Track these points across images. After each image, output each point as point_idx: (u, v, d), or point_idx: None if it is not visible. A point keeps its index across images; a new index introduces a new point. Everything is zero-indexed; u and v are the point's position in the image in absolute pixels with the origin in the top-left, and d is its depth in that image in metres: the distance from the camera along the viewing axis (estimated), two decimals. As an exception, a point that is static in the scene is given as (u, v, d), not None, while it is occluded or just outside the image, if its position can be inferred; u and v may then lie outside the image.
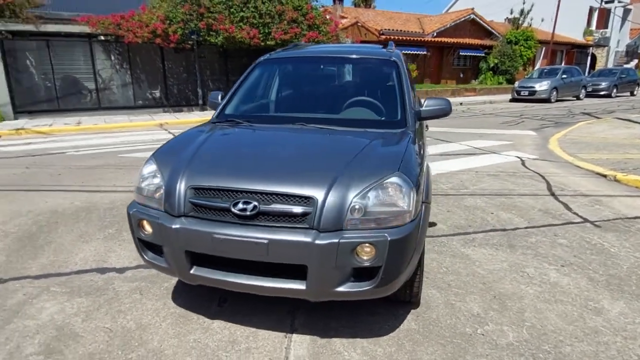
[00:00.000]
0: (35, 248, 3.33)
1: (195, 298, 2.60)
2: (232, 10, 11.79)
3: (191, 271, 2.06)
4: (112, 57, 12.06)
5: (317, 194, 1.89)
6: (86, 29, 11.05)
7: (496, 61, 22.04)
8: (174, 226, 1.99)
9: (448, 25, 21.13)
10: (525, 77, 19.07)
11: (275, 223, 1.91)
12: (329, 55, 3.44)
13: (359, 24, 17.58)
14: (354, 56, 3.37)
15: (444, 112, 2.95)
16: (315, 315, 2.43)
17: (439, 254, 3.27)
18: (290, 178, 1.98)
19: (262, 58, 3.47)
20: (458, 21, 21.53)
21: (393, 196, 1.95)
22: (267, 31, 12.12)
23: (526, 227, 3.83)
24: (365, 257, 1.87)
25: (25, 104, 10.97)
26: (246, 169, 2.10)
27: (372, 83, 3.23)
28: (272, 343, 2.20)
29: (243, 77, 3.34)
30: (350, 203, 1.88)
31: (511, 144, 7.91)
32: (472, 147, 7.57)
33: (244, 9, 11.87)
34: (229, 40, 11.84)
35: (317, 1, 13.76)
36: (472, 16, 22.14)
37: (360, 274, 1.93)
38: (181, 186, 2.06)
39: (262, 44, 12.12)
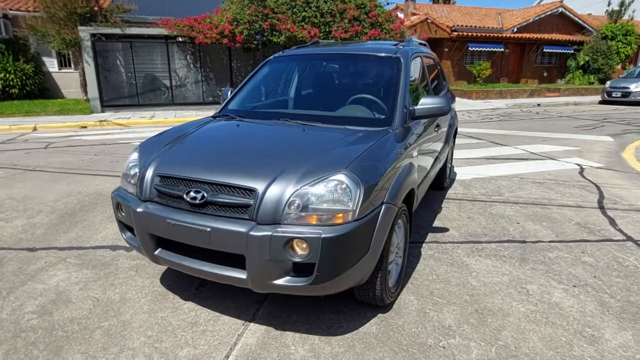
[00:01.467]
0: (70, 224, 3.79)
1: (178, 280, 2.79)
2: (295, 10, 12.11)
3: (155, 252, 2.23)
4: (186, 57, 13.09)
5: (259, 186, 1.94)
6: (164, 32, 12.12)
7: (587, 59, 19.79)
8: (138, 209, 2.17)
9: (531, 20, 19.43)
10: (620, 76, 16.87)
11: (221, 212, 2.00)
12: (335, 52, 3.43)
13: (428, 20, 16.95)
14: (359, 53, 3.33)
15: (440, 111, 2.78)
16: (281, 308, 2.47)
17: (436, 261, 3.10)
18: (237, 170, 2.05)
19: (273, 56, 3.57)
20: (543, 15, 19.70)
21: (334, 194, 1.92)
22: (327, 30, 12.25)
23: (550, 241, 3.46)
24: (299, 253, 1.87)
25: (111, 99, 12.38)
26: (204, 161, 2.21)
27: (372, 80, 3.15)
28: (228, 329, 2.29)
29: (252, 73, 3.47)
30: (290, 197, 1.90)
31: (577, 149, 7.11)
32: (528, 151, 6.95)
33: (306, 9, 12.12)
34: (291, 39, 12.17)
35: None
36: (561, 9, 20.12)
37: (299, 269, 1.93)
38: (150, 173, 2.23)
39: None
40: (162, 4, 16.01)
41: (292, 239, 1.84)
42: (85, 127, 10.34)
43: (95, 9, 12.19)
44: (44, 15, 11.77)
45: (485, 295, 2.65)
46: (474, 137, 8.31)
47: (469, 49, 18.02)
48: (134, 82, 12.67)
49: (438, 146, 3.66)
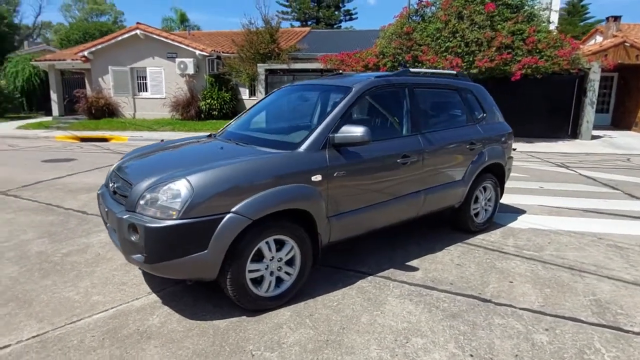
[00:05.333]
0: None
1: (151, 255, 3.63)
2: (439, 41, 12.02)
3: (107, 225, 3.12)
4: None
5: (134, 182, 2.58)
6: (320, 66, 13.89)
7: None
8: (98, 192, 3.11)
9: None
10: None
11: (118, 199, 2.73)
12: (316, 84, 3.78)
13: (626, 44, 13.82)
14: (330, 84, 3.56)
15: (359, 140, 2.83)
16: (185, 291, 3.00)
17: (358, 292, 3.03)
18: (135, 171, 2.75)
19: (277, 88, 4.15)
20: None
21: (168, 195, 2.38)
22: (471, 60, 11.64)
23: (523, 309, 2.84)
24: (137, 235, 2.41)
25: (274, 122, 14.83)
26: (136, 165, 2.99)
27: (324, 109, 3.35)
28: (136, 292, 2.98)
29: (257, 101, 4.13)
30: (142, 193, 2.47)
31: None
32: (667, 211, 5.20)
33: (451, 39, 11.87)
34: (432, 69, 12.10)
35: (550, 22, 12.02)
36: None
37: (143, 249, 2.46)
38: (113, 168, 3.16)
39: (465, 72, 11.70)
40: (331, 41, 18.21)
41: (132, 224, 2.42)
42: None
43: (277, 50, 15.03)
44: (237, 56, 15.21)
45: (357, 332, 2.53)
46: (609, 185, 6.62)
47: (694, 77, 13.73)
48: (294, 108, 14.85)
49: (408, 181, 3.41)
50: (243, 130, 3.61)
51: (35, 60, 18.87)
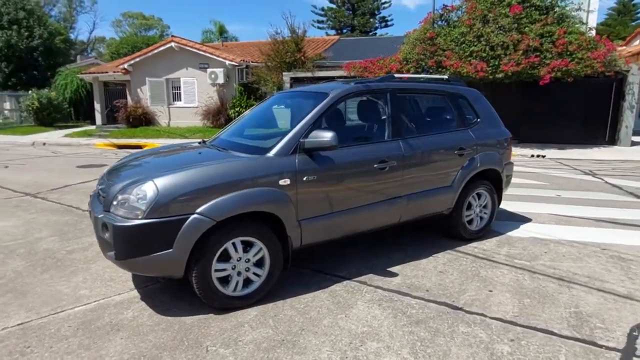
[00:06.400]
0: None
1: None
2: (463, 46, 11.77)
3: (98, 224, 3.36)
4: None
5: (112, 184, 2.78)
6: (343, 73, 13.98)
7: None
8: (90, 194, 3.35)
9: None
10: None
11: (102, 201, 2.94)
12: (303, 91, 3.84)
13: (673, 43, 12.89)
14: (312, 90, 3.64)
15: (326, 145, 2.90)
16: (163, 289, 3.16)
17: (329, 295, 3.07)
18: (118, 175, 2.95)
19: (269, 95, 4.28)
20: None
21: (136, 196, 2.55)
22: (496, 64, 11.29)
23: (494, 318, 2.76)
24: (108, 233, 2.59)
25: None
26: (120, 168, 3.20)
27: (302, 115, 3.42)
28: (120, 288, 3.17)
29: (251, 108, 4.28)
30: (116, 194, 2.65)
31: None
32: (692, 222, 4.81)
33: (475, 44, 11.59)
34: (455, 75, 11.86)
35: (584, 24, 11.46)
36: None
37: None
38: (104, 172, 3.40)
39: (490, 77, 11.38)
40: (359, 49, 18.26)
41: (104, 223, 2.60)
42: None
43: (302, 59, 15.31)
44: (264, 65, 15.63)
45: (315, 333, 2.57)
46: (635, 194, 6.20)
47: None
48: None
49: (387, 186, 3.40)
50: (231, 136, 3.76)
51: (81, 73, 20.30)
